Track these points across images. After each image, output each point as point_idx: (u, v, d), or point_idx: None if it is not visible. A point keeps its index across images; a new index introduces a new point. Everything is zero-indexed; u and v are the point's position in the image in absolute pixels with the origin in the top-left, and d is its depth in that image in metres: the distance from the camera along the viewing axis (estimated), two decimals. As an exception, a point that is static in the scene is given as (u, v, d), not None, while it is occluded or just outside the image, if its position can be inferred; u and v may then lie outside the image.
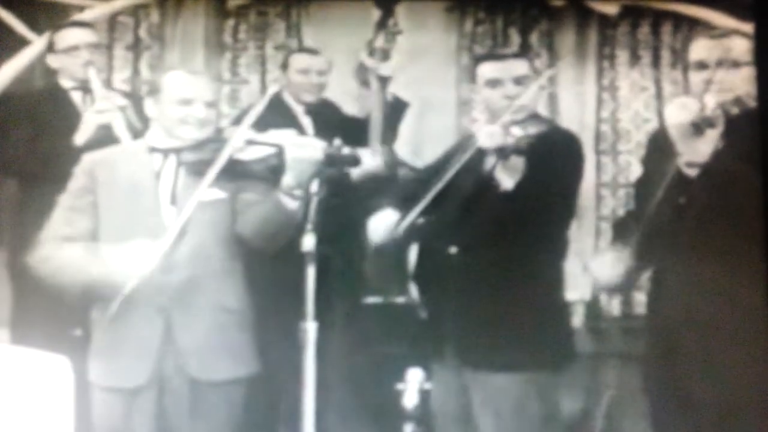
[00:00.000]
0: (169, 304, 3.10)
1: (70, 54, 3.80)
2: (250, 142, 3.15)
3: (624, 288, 3.54)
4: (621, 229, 3.39)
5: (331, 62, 4.01)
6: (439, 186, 3.34)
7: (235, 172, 3.14)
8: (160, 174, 3.18)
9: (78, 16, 4.00)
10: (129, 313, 3.11)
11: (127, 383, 3.10)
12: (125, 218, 3.14)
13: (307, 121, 3.97)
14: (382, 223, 3.42)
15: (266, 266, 3.26)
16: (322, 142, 3.12)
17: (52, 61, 3.85)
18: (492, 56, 3.52)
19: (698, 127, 3.00)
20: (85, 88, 3.79)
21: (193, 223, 3.12)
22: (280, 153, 3.13)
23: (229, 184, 3.14)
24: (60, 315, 3.55)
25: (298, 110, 3.97)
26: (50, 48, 3.85)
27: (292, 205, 3.06)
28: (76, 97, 3.81)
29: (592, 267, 3.28)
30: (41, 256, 3.19)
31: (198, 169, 3.13)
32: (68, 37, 3.83)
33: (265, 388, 3.27)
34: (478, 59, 3.56)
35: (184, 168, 3.16)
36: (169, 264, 3.10)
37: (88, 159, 3.29)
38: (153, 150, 3.20)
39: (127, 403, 3.11)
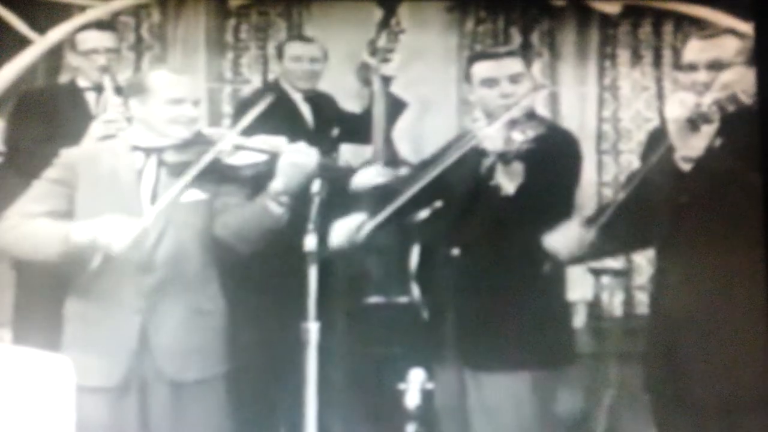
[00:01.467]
0: (146, 305, 3.09)
1: (89, 57, 3.81)
2: (241, 147, 3.13)
3: (584, 258, 3.48)
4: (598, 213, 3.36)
5: (326, 50, 4.01)
6: (414, 189, 3.33)
7: (221, 175, 3.13)
8: (141, 173, 3.17)
9: (82, 16, 3.99)
10: (105, 312, 3.12)
11: (102, 383, 3.08)
12: (105, 214, 3.10)
13: (306, 109, 3.98)
14: (344, 228, 3.41)
15: (268, 266, 3.26)
16: (317, 152, 3.08)
17: (72, 60, 3.86)
18: (485, 55, 3.49)
19: (694, 122, 3.02)
20: (99, 89, 3.79)
21: (173, 223, 3.11)
22: (271, 160, 3.12)
23: (210, 186, 3.13)
24: (62, 315, 3.55)
25: (297, 97, 3.98)
26: (72, 46, 3.85)
27: (277, 210, 3.06)
28: (90, 97, 3.82)
29: (548, 241, 3.24)
30: (6, 225, 3.17)
31: (180, 170, 3.12)
32: (89, 39, 3.83)
33: (267, 388, 3.27)
34: (471, 59, 3.53)
35: (165, 168, 3.15)
36: (148, 264, 3.09)
37: (68, 153, 3.28)
38: (135, 148, 3.19)
39: (104, 402, 3.09)
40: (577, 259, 3.33)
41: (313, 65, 4.00)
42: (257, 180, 3.12)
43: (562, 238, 3.20)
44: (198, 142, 3.16)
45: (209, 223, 3.14)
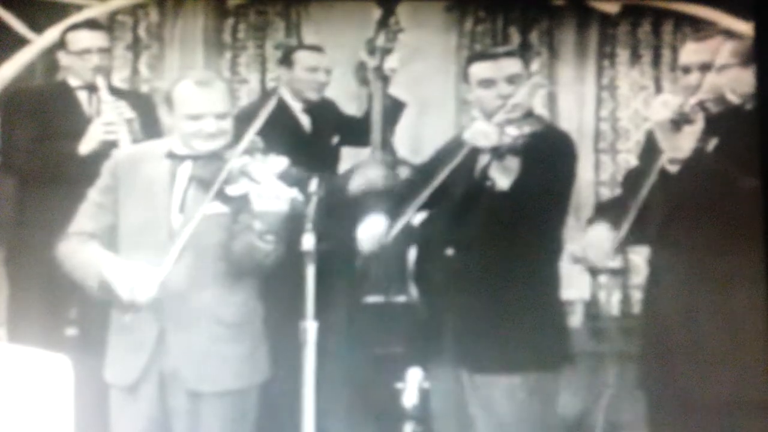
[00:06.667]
0: (165, 312, 3.10)
1: (82, 57, 3.79)
2: (243, 173, 3.09)
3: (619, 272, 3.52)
4: (604, 211, 3.38)
5: (334, 61, 4.01)
6: (430, 189, 3.33)
7: (227, 201, 3.12)
8: (174, 179, 3.16)
9: (79, 15, 4.00)
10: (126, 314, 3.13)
11: (122, 381, 3.13)
12: (140, 219, 3.14)
13: (305, 119, 3.97)
14: (371, 231, 3.42)
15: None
16: (290, 191, 3.03)
17: (63, 59, 3.84)
18: (484, 56, 3.49)
19: (677, 123, 3.02)
20: (91, 88, 3.78)
21: (195, 235, 3.10)
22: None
23: (231, 201, 3.12)
24: (56, 314, 3.56)
25: (296, 107, 3.97)
26: (62, 46, 3.83)
27: (265, 247, 3.04)
28: (83, 96, 3.81)
29: (576, 249, 3.27)
30: (68, 249, 3.20)
31: (203, 183, 3.12)
32: (81, 39, 3.81)
33: (266, 388, 3.27)
34: (470, 59, 3.53)
35: (193, 178, 3.15)
36: (170, 273, 3.09)
37: (114, 156, 3.32)
38: (171, 155, 3.19)
39: (125, 400, 3.13)
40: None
41: (327, 77, 3.98)
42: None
43: (595, 245, 3.22)
44: (217, 157, 3.13)
45: (230, 236, 3.12)
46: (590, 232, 3.28)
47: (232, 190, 3.07)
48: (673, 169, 3.05)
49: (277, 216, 3.02)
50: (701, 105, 3.01)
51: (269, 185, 3.03)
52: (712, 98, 3.02)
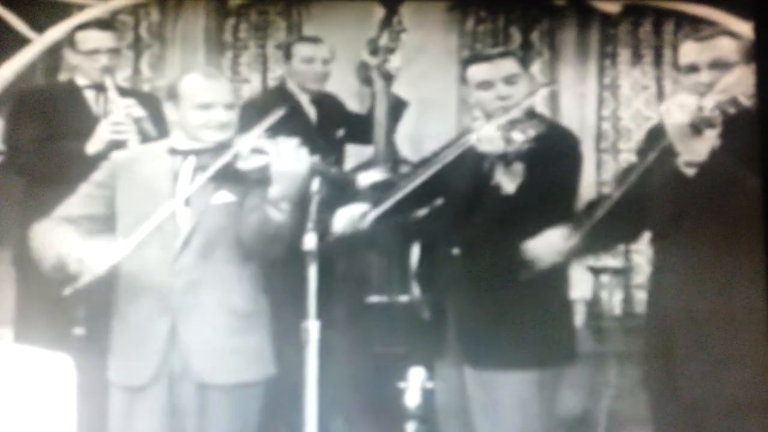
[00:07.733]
0: (175, 306, 3.09)
1: (91, 57, 3.77)
2: (254, 151, 3.10)
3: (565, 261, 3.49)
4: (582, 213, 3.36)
5: (334, 51, 4.01)
6: (419, 180, 3.31)
7: (239, 179, 3.10)
8: (177, 175, 3.16)
9: (81, 15, 3.99)
10: (136, 312, 3.13)
11: (133, 381, 3.11)
12: (141, 217, 3.10)
13: (312, 111, 3.97)
14: (347, 215, 3.39)
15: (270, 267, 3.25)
16: (310, 156, 3.02)
17: (71, 58, 3.83)
18: (480, 57, 3.47)
19: (697, 127, 2.99)
20: (99, 87, 3.78)
21: (203, 225, 3.11)
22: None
23: (238, 189, 3.12)
24: (63, 314, 3.56)
25: (303, 99, 3.97)
26: (71, 45, 3.82)
27: (278, 217, 3.00)
28: (90, 96, 3.80)
29: (530, 247, 3.24)
30: (40, 229, 3.20)
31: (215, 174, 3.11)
32: (90, 38, 3.79)
33: (269, 386, 3.27)
34: (466, 61, 3.52)
35: (201, 171, 3.14)
36: (177, 266, 3.10)
37: (114, 157, 3.30)
38: (173, 151, 3.18)
39: (134, 400, 3.11)
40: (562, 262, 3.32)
41: (325, 67, 4.00)
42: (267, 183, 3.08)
43: (544, 245, 3.19)
44: (225, 146, 3.12)
45: (237, 225, 3.11)
46: (546, 232, 3.24)
47: (246, 164, 3.06)
48: (690, 171, 3.02)
49: (295, 179, 2.99)
50: (720, 107, 2.98)
51: (289, 148, 3.02)
52: (726, 100, 3.00)
